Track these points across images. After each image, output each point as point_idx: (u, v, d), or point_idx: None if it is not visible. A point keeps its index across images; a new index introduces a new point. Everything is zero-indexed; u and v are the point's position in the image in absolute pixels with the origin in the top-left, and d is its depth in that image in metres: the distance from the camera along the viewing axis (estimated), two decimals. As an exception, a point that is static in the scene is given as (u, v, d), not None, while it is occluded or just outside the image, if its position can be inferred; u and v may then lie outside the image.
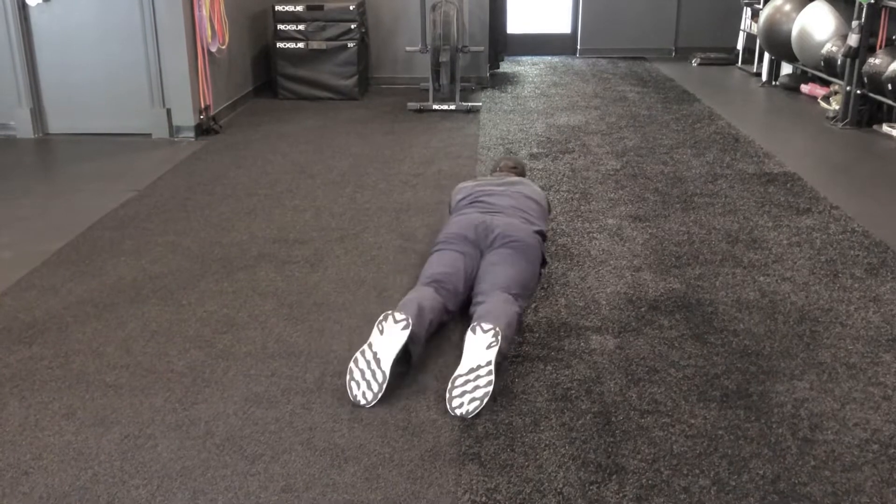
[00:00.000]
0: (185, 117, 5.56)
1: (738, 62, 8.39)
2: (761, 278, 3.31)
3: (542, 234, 3.22)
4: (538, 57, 9.04)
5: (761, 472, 2.14)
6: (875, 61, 5.46)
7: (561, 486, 2.09)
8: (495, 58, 7.82)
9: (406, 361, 2.59)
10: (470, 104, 6.39)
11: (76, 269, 3.45)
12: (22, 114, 5.57)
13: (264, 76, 7.18)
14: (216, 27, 5.70)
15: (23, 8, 5.40)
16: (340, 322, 2.98)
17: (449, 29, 6.27)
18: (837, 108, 6.00)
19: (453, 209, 3.44)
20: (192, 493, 2.08)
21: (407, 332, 2.50)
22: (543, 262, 3.22)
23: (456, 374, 2.43)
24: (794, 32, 6.53)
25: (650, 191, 4.41)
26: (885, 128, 5.60)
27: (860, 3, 5.58)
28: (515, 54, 9.00)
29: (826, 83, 6.52)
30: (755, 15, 7.73)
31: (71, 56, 5.48)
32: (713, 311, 3.03)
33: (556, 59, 8.95)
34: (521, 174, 3.90)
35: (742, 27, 8.34)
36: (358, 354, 2.49)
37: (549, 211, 3.67)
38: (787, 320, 2.96)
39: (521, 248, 3.01)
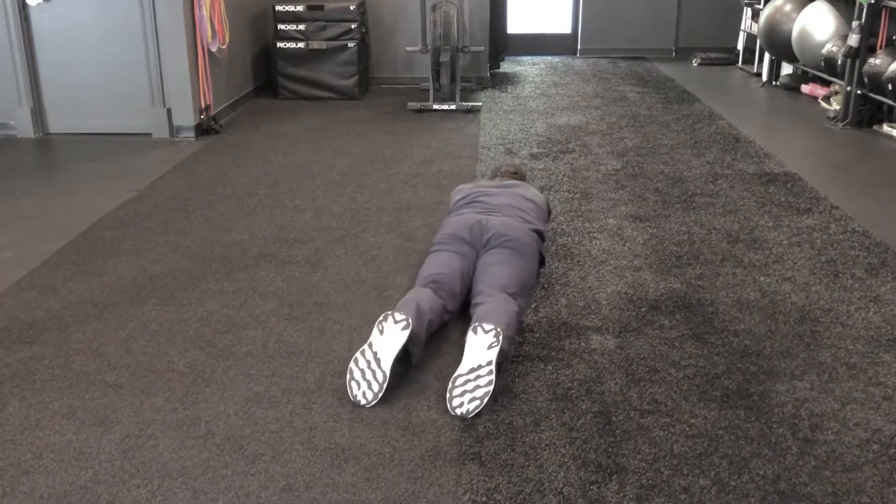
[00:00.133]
0: (186, 117, 5.56)
1: (738, 62, 8.39)
2: (762, 278, 3.31)
3: (539, 233, 3.22)
4: (538, 57, 9.04)
5: (762, 473, 2.14)
6: (875, 61, 5.46)
7: (561, 485, 2.09)
8: (495, 58, 7.82)
9: (406, 362, 2.59)
10: (470, 104, 6.39)
11: (76, 269, 3.45)
12: (22, 113, 5.57)
13: (265, 76, 7.18)
14: (216, 27, 5.70)
15: (23, 8, 5.40)
16: (341, 322, 2.98)
17: (449, 29, 6.27)
18: (838, 108, 6.00)
19: (451, 210, 3.45)
20: (193, 492, 2.08)
21: (407, 332, 2.50)
22: (542, 262, 3.23)
23: (456, 373, 2.43)
24: (795, 32, 6.53)
25: (650, 191, 4.41)
26: (886, 128, 5.60)
27: (860, 4, 5.58)
28: (516, 54, 9.00)
29: (826, 83, 6.52)
30: (755, 15, 7.73)
31: (71, 56, 5.48)
32: (714, 311, 3.03)
33: (556, 58, 8.94)
34: (522, 179, 3.90)
35: (742, 27, 8.34)
36: (358, 354, 2.50)
37: (550, 213, 3.67)
38: (787, 320, 2.96)
39: (517, 246, 3.01)
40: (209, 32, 5.59)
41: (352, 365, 2.48)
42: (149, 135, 5.61)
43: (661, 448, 2.24)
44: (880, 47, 5.65)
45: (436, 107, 6.39)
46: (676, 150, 5.21)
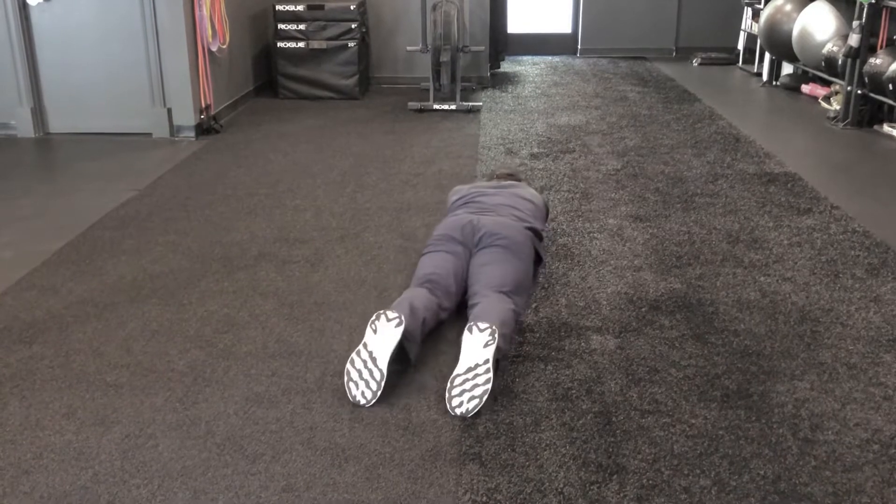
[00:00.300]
0: (186, 117, 5.56)
1: (738, 62, 8.39)
2: (762, 278, 3.31)
3: (534, 231, 3.21)
4: (539, 57, 9.04)
5: (762, 473, 2.14)
6: (876, 61, 5.46)
7: (562, 485, 2.09)
8: (496, 57, 7.81)
9: (404, 360, 2.59)
10: (470, 104, 6.39)
11: (76, 269, 3.45)
12: (22, 113, 5.57)
13: (265, 76, 7.18)
14: (217, 26, 5.70)
15: (23, 7, 5.40)
16: (341, 322, 2.98)
17: (449, 28, 6.27)
18: (838, 108, 6.00)
19: (448, 211, 3.46)
20: (193, 492, 2.08)
21: (401, 328, 2.50)
22: (540, 260, 3.22)
23: (454, 373, 2.43)
24: (795, 32, 6.53)
25: (651, 191, 4.41)
26: (886, 128, 5.60)
27: (861, 3, 5.58)
28: (516, 54, 9.00)
29: (827, 83, 6.52)
30: (756, 15, 7.72)
31: (71, 55, 5.48)
32: (714, 312, 3.03)
33: (556, 58, 8.94)
34: (518, 181, 3.90)
35: (743, 27, 8.34)
36: (353, 355, 2.50)
37: (548, 213, 3.67)
38: (787, 320, 2.96)
39: (509, 245, 3.01)
40: (209, 32, 5.59)
41: (348, 366, 2.48)
42: (149, 134, 5.61)
43: (661, 448, 2.24)
44: (881, 47, 5.65)
45: (436, 106, 6.39)
46: (677, 150, 5.20)
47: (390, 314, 2.53)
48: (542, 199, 3.54)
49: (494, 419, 2.37)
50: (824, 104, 6.41)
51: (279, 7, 6.72)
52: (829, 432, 2.31)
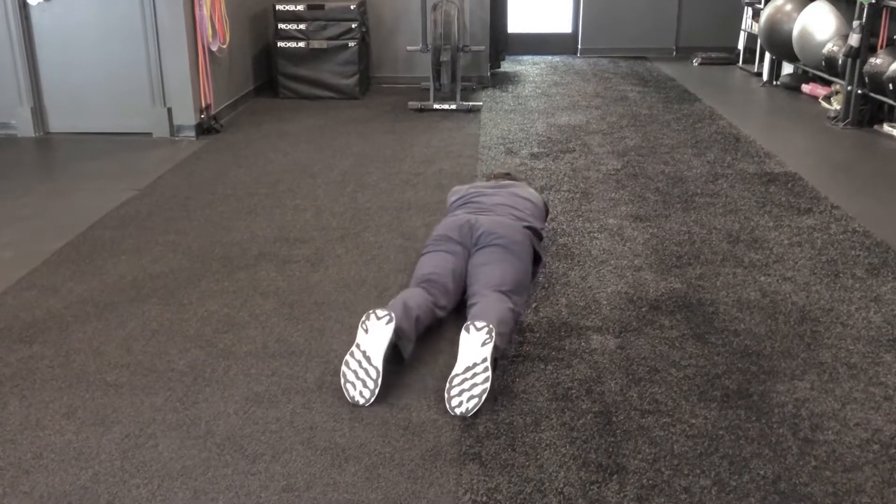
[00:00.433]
0: (186, 116, 5.56)
1: (739, 62, 8.38)
2: (762, 278, 3.31)
3: (533, 230, 3.21)
4: (539, 56, 9.03)
5: (762, 473, 2.14)
6: (876, 61, 5.46)
7: (562, 485, 2.09)
8: (496, 57, 7.81)
9: (399, 359, 2.59)
10: (471, 103, 6.39)
11: (76, 269, 3.45)
12: (23, 113, 5.57)
13: (265, 75, 7.18)
14: (217, 26, 5.70)
15: (23, 7, 5.40)
16: (341, 321, 2.98)
17: (450, 28, 6.27)
18: (838, 107, 6.00)
19: (448, 212, 3.46)
20: (193, 492, 2.08)
21: (391, 325, 2.49)
22: (539, 259, 3.22)
23: (453, 373, 2.43)
24: (795, 32, 6.53)
25: (651, 190, 4.41)
26: (886, 127, 5.60)
27: (861, 3, 5.57)
28: (516, 54, 9.00)
29: (827, 83, 6.52)
30: (756, 15, 7.72)
31: (72, 55, 5.48)
32: (714, 311, 3.03)
33: (556, 58, 8.94)
34: (516, 180, 3.90)
35: (743, 27, 8.34)
36: (347, 356, 2.50)
37: (547, 212, 3.67)
38: (787, 320, 2.96)
39: (507, 244, 3.01)
40: (209, 32, 5.59)
41: (343, 368, 2.49)
42: (149, 134, 5.61)
43: (661, 448, 2.24)
44: (881, 47, 5.65)
45: (436, 106, 6.38)
46: (677, 150, 5.20)
47: (380, 312, 2.53)
48: (541, 199, 3.54)
49: (494, 419, 2.37)
50: (824, 104, 6.41)
51: (279, 7, 6.72)
52: (830, 432, 2.31)
